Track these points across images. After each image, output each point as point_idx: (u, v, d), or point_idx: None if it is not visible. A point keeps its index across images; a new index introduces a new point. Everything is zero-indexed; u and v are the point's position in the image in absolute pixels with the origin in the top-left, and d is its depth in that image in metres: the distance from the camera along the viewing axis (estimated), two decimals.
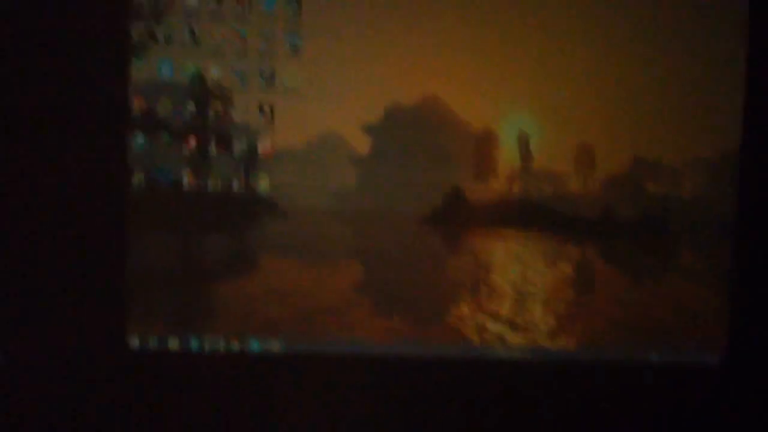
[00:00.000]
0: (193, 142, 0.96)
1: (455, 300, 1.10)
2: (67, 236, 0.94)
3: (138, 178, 0.95)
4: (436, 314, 1.07)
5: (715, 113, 1.05)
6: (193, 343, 1.00)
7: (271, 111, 0.98)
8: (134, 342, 0.99)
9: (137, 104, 0.95)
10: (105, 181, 0.94)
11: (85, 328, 0.96)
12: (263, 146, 0.98)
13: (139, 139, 0.95)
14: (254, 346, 1.01)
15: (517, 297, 1.16)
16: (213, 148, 0.97)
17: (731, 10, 1.02)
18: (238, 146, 0.98)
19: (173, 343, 0.99)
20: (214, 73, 0.96)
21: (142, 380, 0.98)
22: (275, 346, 1.01)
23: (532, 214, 1.17)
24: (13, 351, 0.92)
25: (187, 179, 0.96)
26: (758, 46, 1.02)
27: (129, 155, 0.95)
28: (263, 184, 0.98)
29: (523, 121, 1.12)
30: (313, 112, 1.00)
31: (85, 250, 0.94)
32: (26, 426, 0.95)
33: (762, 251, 1.05)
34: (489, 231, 1.15)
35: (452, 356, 1.07)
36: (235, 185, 0.98)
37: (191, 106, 0.96)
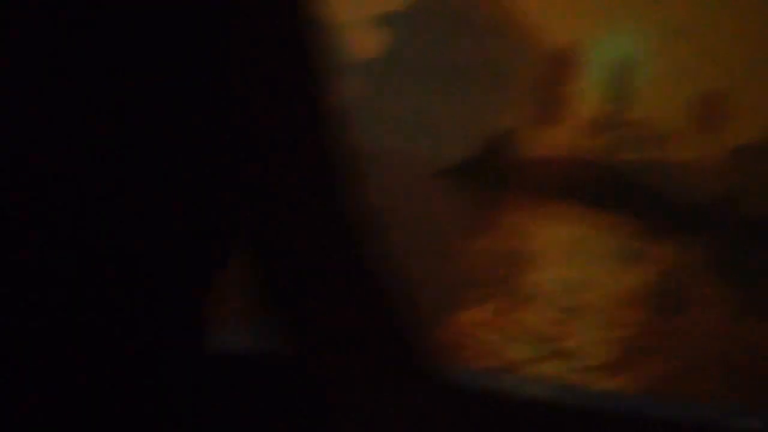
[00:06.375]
0: None
1: (470, 298, 0.67)
2: None
3: None
4: (435, 314, 0.63)
5: None
6: None
7: None
8: None
9: None
10: None
11: None
12: None
13: None
14: None
15: (566, 306, 0.67)
16: None
17: None
18: None
19: None
20: None
21: None
22: None
23: (616, 187, 0.69)
24: None
25: None
26: None
27: None
28: None
29: (625, 44, 0.70)
30: None
31: None
32: None
33: None
34: (543, 203, 0.73)
35: (454, 383, 0.71)
36: None
37: None
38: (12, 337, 0.39)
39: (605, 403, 0.71)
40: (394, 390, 0.45)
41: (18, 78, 0.39)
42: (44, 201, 0.39)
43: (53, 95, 0.39)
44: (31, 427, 0.39)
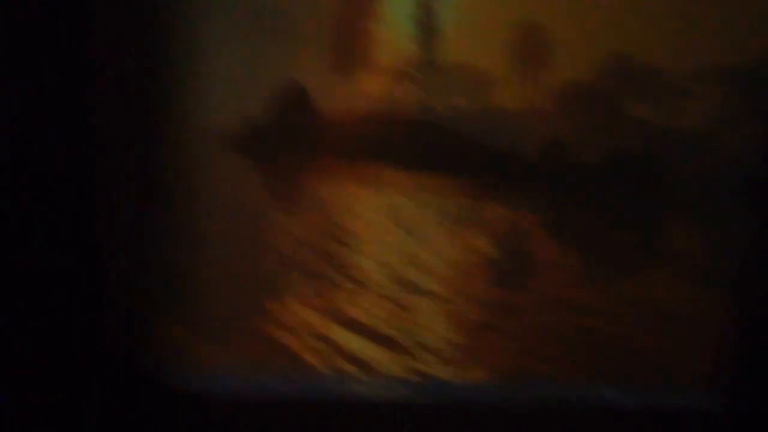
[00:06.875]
0: None
1: (287, 290, 0.62)
2: None
3: None
4: (249, 311, 0.59)
5: (747, 8, 0.58)
6: None
7: None
8: None
9: None
10: None
11: None
12: None
13: None
14: None
15: (398, 289, 0.64)
16: None
17: None
18: None
19: None
20: None
21: None
22: None
23: (437, 143, 0.61)
24: None
25: None
26: None
27: None
28: None
29: None
30: None
31: None
32: None
33: None
34: (355, 168, 0.59)
35: (279, 396, 0.61)
36: None
37: None
38: None
39: (456, 398, 0.67)
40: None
41: None
42: None
43: None
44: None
